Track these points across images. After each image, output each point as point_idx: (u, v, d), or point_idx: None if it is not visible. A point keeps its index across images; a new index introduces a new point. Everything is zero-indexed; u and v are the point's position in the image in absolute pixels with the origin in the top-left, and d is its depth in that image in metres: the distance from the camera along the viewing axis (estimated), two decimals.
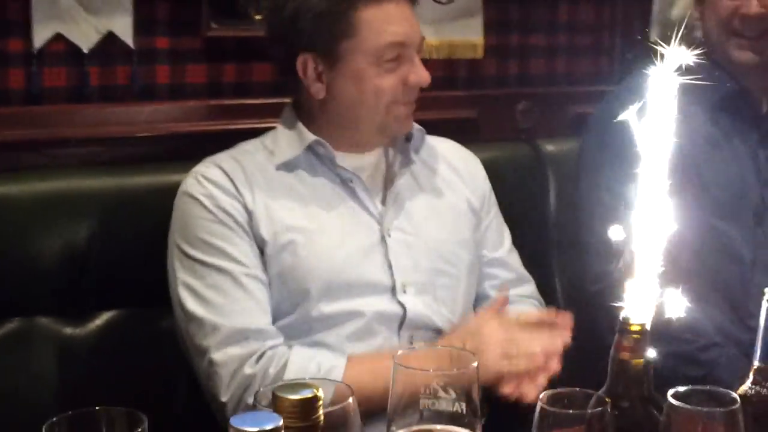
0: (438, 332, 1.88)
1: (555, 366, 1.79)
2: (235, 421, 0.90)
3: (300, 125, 1.89)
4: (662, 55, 1.31)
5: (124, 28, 2.13)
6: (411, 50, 1.85)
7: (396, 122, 1.88)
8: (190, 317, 1.77)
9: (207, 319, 1.75)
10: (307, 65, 1.84)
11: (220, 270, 1.77)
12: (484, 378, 1.71)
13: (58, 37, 2.08)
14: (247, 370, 1.73)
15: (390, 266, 1.86)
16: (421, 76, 1.85)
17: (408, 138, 1.95)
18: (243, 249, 1.79)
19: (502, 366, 1.74)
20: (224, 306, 1.76)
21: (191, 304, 1.77)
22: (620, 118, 2.30)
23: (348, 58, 1.82)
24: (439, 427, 1.21)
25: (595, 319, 1.95)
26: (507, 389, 1.76)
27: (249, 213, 1.81)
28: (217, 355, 1.74)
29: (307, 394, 0.95)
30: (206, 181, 1.82)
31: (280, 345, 1.77)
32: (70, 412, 1.01)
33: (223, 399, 1.74)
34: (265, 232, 1.80)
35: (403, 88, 1.84)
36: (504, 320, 1.82)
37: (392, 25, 1.82)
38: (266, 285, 1.80)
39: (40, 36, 2.05)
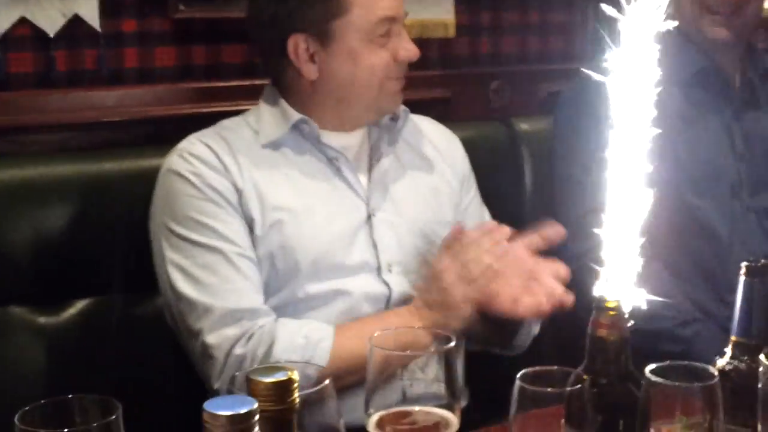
0: None
1: (550, 267, 1.78)
2: (209, 405, 0.89)
3: (284, 104, 1.87)
4: (633, 33, 1.31)
5: (90, 10, 2.09)
6: (399, 24, 1.85)
7: (388, 99, 1.89)
8: (181, 298, 1.75)
9: (199, 300, 1.73)
10: (298, 47, 1.82)
11: (211, 249, 1.75)
12: (463, 313, 1.73)
13: (23, 21, 2.04)
14: (238, 350, 1.71)
15: (375, 246, 1.86)
16: (411, 50, 1.86)
17: (394, 117, 1.94)
18: (233, 227, 1.77)
19: (468, 292, 1.74)
20: (216, 286, 1.73)
21: (182, 285, 1.75)
22: (596, 93, 2.31)
23: (341, 37, 1.81)
24: (417, 408, 1.21)
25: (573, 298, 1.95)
26: (501, 308, 1.75)
27: (238, 191, 1.78)
28: (210, 338, 1.72)
29: (282, 377, 0.94)
30: (193, 158, 1.79)
31: (269, 322, 1.75)
32: (42, 401, 1.00)
33: (217, 384, 1.72)
34: (254, 210, 1.78)
35: (393, 63, 1.85)
36: (453, 252, 1.79)
37: (382, 0, 1.81)
38: (257, 263, 1.78)
39: (4, 20, 2.01)
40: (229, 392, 1.04)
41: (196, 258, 1.75)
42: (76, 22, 2.09)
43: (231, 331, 1.71)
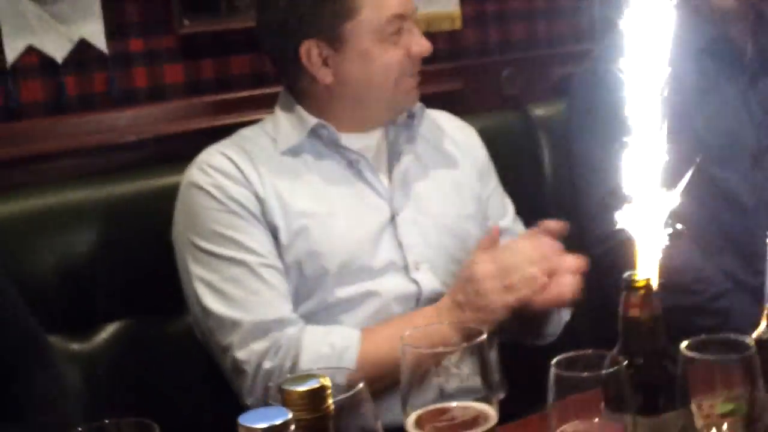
0: None
1: (569, 262, 1.77)
2: (244, 419, 0.88)
3: (300, 109, 1.86)
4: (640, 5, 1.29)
5: (95, 33, 2.09)
6: (410, 21, 1.84)
7: (405, 96, 1.88)
8: (209, 313, 1.74)
9: (227, 315, 1.73)
10: (311, 52, 1.82)
11: (236, 262, 1.74)
12: (498, 317, 1.72)
13: (30, 50, 2.04)
14: (267, 365, 1.70)
15: (400, 245, 1.84)
16: (423, 45, 1.85)
17: (411, 114, 1.93)
18: (257, 238, 1.76)
19: (507, 300, 1.72)
20: (243, 300, 1.73)
21: (209, 300, 1.74)
22: (610, 72, 2.29)
23: (353, 40, 1.81)
24: (454, 404, 1.20)
25: (601, 281, 1.93)
26: (534, 308, 1.75)
27: (260, 201, 1.78)
28: (240, 353, 1.72)
29: (314, 384, 0.93)
30: (212, 170, 1.79)
31: (296, 331, 1.74)
32: (80, 428, 0.99)
33: (249, 399, 1.72)
34: (277, 219, 1.78)
35: (407, 60, 1.84)
36: (493, 254, 1.77)
37: None
38: (283, 272, 1.78)
39: (12, 50, 2.02)
40: (265, 403, 1.04)
41: (221, 272, 1.74)
42: (83, 46, 2.09)
43: (259, 345, 1.71)
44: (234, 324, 1.72)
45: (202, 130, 2.15)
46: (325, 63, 1.83)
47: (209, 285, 1.75)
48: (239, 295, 1.73)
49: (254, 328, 1.72)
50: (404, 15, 1.82)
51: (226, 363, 1.75)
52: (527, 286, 1.72)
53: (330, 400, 0.94)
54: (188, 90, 2.24)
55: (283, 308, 1.75)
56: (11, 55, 2.02)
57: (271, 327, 1.72)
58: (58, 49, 2.07)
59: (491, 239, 1.82)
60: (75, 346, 1.93)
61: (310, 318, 1.78)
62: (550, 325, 1.91)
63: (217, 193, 1.77)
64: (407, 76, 1.86)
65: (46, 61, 2.07)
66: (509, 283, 1.72)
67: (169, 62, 2.20)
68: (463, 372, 1.20)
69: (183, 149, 1.91)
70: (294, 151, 1.85)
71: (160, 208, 1.86)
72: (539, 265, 1.74)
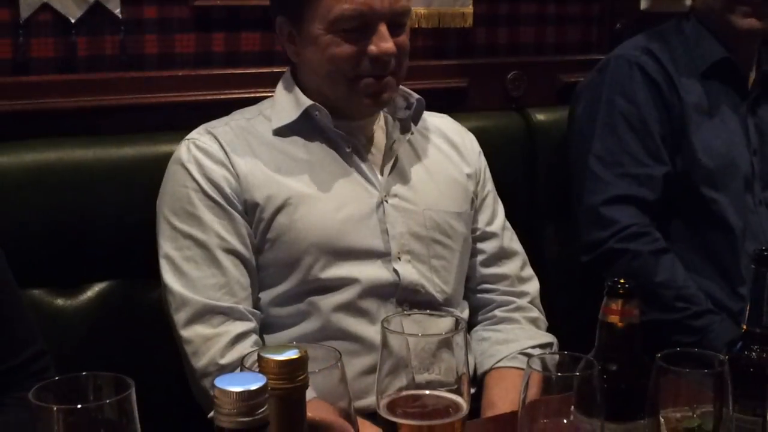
0: (431, 303, 1.85)
1: None
2: (219, 382, 0.88)
3: (297, 90, 1.87)
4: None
5: None
6: (375, 20, 1.78)
7: (359, 99, 1.83)
8: (166, 289, 1.77)
9: (179, 292, 1.75)
10: (282, 28, 1.85)
11: (197, 242, 1.76)
12: None
13: (45, 7, 2.05)
14: (211, 351, 1.70)
15: (386, 233, 1.84)
16: (382, 47, 1.78)
17: (408, 106, 1.92)
18: (227, 222, 1.77)
19: None
20: (196, 280, 1.74)
21: (168, 276, 1.77)
22: (613, 85, 2.30)
23: (309, 24, 1.80)
24: (427, 391, 1.21)
25: (587, 288, 1.95)
26: None
27: (239, 181, 1.78)
28: (184, 332, 1.74)
29: (293, 355, 0.94)
30: (197, 149, 1.80)
31: (250, 333, 1.74)
32: (57, 378, 0.99)
33: (191, 378, 1.74)
34: (258, 196, 1.78)
35: (366, 59, 1.79)
36: None
37: None
38: (248, 261, 1.78)
39: (27, 6, 2.03)
40: (240, 369, 1.04)
41: (184, 250, 1.76)
42: (97, 8, 2.10)
43: (202, 329, 1.73)
44: (183, 302, 1.74)
45: (207, 103, 2.17)
46: (291, 41, 1.84)
47: (171, 261, 1.77)
48: (194, 275, 1.75)
49: (199, 311, 1.73)
50: (362, 14, 1.76)
51: (175, 337, 1.77)
52: None
53: (306, 373, 0.94)
54: (197, 62, 2.24)
55: (234, 298, 1.75)
56: (26, 10, 2.03)
57: (215, 314, 1.73)
58: (72, 9, 2.08)
59: None
60: (60, 301, 1.96)
61: (285, 297, 1.79)
62: None
63: (196, 172, 1.78)
64: (367, 76, 1.80)
65: (60, 20, 2.08)
66: None
67: (182, 32, 2.21)
68: (438, 361, 1.21)
69: (186, 120, 1.93)
70: (285, 131, 1.85)
71: (156, 175, 1.86)
72: None
